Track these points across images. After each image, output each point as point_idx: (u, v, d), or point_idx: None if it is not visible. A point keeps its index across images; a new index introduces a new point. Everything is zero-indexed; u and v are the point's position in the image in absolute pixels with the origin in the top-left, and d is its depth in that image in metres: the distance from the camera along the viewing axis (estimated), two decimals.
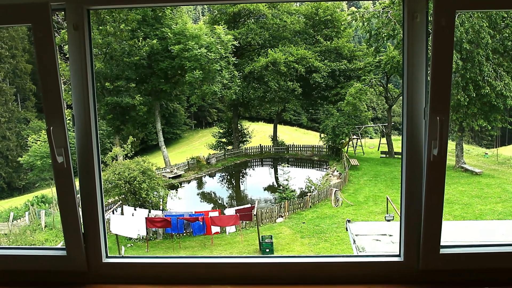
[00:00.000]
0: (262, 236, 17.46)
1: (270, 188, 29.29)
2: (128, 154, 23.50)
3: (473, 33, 23.11)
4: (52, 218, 20.85)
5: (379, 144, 35.21)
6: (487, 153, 31.30)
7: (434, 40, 1.96)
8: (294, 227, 19.82)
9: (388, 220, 15.24)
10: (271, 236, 17.63)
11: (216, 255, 14.68)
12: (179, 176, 29.55)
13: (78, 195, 2.30)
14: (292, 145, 37.04)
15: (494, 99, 24.35)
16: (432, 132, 2.02)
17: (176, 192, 25.95)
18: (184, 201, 25.24)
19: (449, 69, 1.99)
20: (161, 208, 20.89)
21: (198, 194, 29.17)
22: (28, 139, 26.76)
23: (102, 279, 2.36)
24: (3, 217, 22.28)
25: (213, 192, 29.48)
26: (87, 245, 2.32)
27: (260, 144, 36.92)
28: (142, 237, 18.37)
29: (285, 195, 23.85)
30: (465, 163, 27.10)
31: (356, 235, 9.98)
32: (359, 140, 34.36)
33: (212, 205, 26.55)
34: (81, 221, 2.31)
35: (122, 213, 18.59)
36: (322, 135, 34.44)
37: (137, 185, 20.36)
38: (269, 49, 34.21)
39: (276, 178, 31.79)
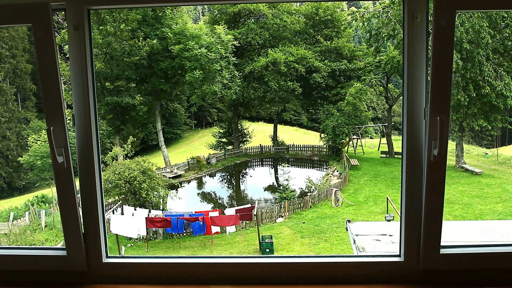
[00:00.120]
0: (262, 236, 17.46)
1: (270, 188, 29.29)
2: (128, 154, 23.50)
3: (473, 33, 23.11)
4: (52, 218, 20.85)
5: (379, 144, 35.21)
6: (487, 153, 31.30)
7: (434, 40, 1.96)
8: (294, 227, 19.82)
9: (388, 220, 15.25)
10: (271, 236, 17.63)
11: (216, 255, 14.70)
12: (179, 176, 29.55)
13: (78, 195, 2.30)
14: (292, 145, 37.05)
15: (494, 99, 24.35)
16: (432, 132, 2.02)
17: (176, 192, 25.96)
18: (184, 201, 25.25)
19: (449, 69, 1.99)
20: (161, 208, 20.90)
21: (198, 194, 29.17)
22: (28, 139, 26.76)
23: (102, 279, 2.36)
24: (3, 217, 22.29)
25: (213, 192, 29.48)
26: (87, 245, 2.32)
27: (260, 144, 36.93)
28: (142, 237, 18.37)
29: (285, 195, 23.86)
30: (465, 163, 27.10)
31: (356, 235, 9.97)
32: (359, 140, 34.36)
33: (212, 205, 26.56)
34: (81, 221, 2.31)
35: (122, 213, 18.59)
36: (322, 135, 34.45)
37: (137, 185, 20.37)
38: (269, 49, 34.22)
39: (276, 178, 31.80)
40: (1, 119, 35.39)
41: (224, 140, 38.28)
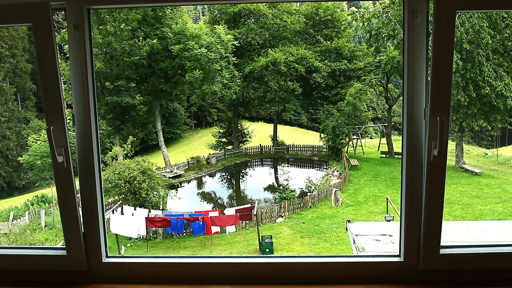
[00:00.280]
0: (262, 236, 17.46)
1: (270, 188, 29.29)
2: (128, 154, 23.49)
3: (473, 33, 23.11)
4: (52, 218, 20.85)
5: (379, 144, 35.21)
6: (487, 153, 31.30)
7: (434, 40, 1.96)
8: (294, 227, 19.82)
9: (388, 220, 15.26)
10: (271, 236, 17.63)
11: (216, 255, 14.71)
12: (179, 176, 29.55)
13: (78, 195, 2.31)
14: (292, 145, 37.05)
15: (494, 99, 24.35)
16: (432, 132, 2.02)
17: (176, 192, 25.94)
18: (184, 201, 25.24)
19: (449, 69, 1.99)
20: (161, 208, 20.90)
21: (198, 194, 29.17)
22: (28, 138, 26.75)
23: (102, 279, 2.36)
24: (3, 217, 22.28)
25: (213, 192, 29.48)
26: (87, 244, 2.32)
27: (260, 144, 36.93)
28: (142, 237, 18.37)
29: (285, 195, 23.86)
30: (465, 163, 27.11)
31: (356, 235, 9.97)
32: (359, 140, 34.36)
33: (212, 205, 26.56)
34: (81, 221, 2.31)
35: (122, 213, 18.59)
36: (322, 135, 34.45)
37: (137, 184, 20.36)
38: (269, 49, 34.22)
39: (276, 178, 31.80)
40: (1, 118, 35.38)
41: (224, 140, 38.28)
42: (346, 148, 32.95)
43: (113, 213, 21.00)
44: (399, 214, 2.42)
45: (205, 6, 52.94)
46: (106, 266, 2.36)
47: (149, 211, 17.91)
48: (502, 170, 26.54)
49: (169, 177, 27.91)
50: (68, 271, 2.36)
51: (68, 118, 2.22)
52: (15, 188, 34.24)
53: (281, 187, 25.80)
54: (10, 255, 2.41)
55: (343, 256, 2.35)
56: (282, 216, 21.28)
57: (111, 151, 24.65)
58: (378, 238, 9.81)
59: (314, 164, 34.27)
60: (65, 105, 2.19)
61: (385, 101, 35.57)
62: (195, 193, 29.13)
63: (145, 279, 2.35)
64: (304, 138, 42.00)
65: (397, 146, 31.36)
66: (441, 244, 2.20)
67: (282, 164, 31.80)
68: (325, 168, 32.42)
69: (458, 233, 8.89)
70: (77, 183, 2.25)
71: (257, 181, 31.28)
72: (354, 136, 33.54)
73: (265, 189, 29.31)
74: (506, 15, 23.34)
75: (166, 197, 23.52)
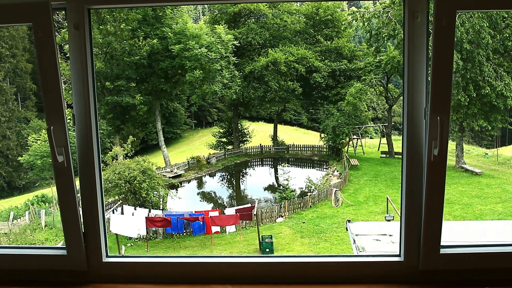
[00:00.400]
0: (262, 235, 17.46)
1: (270, 188, 29.29)
2: (128, 154, 23.50)
3: (474, 33, 23.10)
4: (52, 218, 20.85)
5: (379, 144, 35.21)
6: (487, 153, 31.29)
7: (434, 40, 1.96)
8: (294, 227, 19.82)
9: (388, 220, 15.26)
10: (271, 235, 17.63)
11: (216, 255, 14.69)
12: (179, 175, 29.55)
13: (79, 195, 2.31)
14: (292, 145, 37.05)
15: (494, 99, 24.35)
16: (432, 132, 2.02)
17: (176, 192, 25.93)
18: (184, 201, 25.24)
19: (449, 69, 1.99)
20: (161, 208, 20.91)
21: (198, 194, 29.18)
22: (28, 138, 26.77)
23: (102, 279, 2.37)
24: (3, 217, 22.29)
25: (213, 192, 29.49)
26: (87, 244, 2.33)
27: (260, 144, 36.93)
28: (142, 237, 18.37)
29: (285, 195, 23.86)
30: (465, 163, 27.10)
31: (356, 235, 9.97)
32: (359, 140, 34.35)
33: (212, 204, 26.56)
34: (81, 221, 2.31)
35: (122, 213, 18.60)
36: (322, 135, 34.46)
37: (137, 184, 20.37)
38: (270, 49, 34.23)
39: (276, 178, 31.80)
40: (1, 118, 35.39)
41: (224, 139, 38.29)
42: (346, 148, 32.95)
43: (113, 213, 21.01)
44: (399, 214, 2.42)
45: (205, 6, 52.94)
46: (106, 266, 2.36)
47: (149, 211, 17.92)
48: (502, 170, 26.54)
49: (169, 177, 27.92)
50: (68, 270, 2.36)
51: (68, 118, 2.22)
52: (15, 188, 34.26)
53: (281, 187, 25.80)
54: (10, 255, 2.41)
55: (343, 256, 2.35)
56: (282, 216, 21.28)
57: (111, 151, 24.66)
58: (378, 238, 9.82)
59: (314, 164, 34.27)
60: (65, 105, 2.19)
61: (385, 101, 35.57)
62: (195, 193, 29.14)
63: (145, 279, 2.35)
64: (304, 138, 41.99)
65: (397, 146, 31.36)
66: (441, 244, 2.20)
67: (282, 164, 31.80)
68: (325, 168, 32.43)
69: (458, 233, 8.89)
70: (77, 183, 2.25)
71: (257, 181, 31.28)
72: (354, 136, 33.53)
73: (265, 189, 29.31)
74: (506, 15, 23.33)
75: (166, 197, 23.52)
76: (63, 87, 2.16)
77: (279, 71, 33.14)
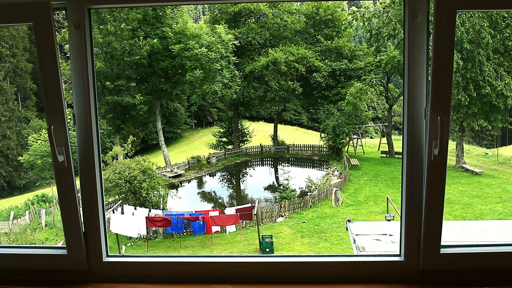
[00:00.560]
0: (262, 235, 17.46)
1: (270, 188, 29.28)
2: (129, 153, 23.51)
3: (474, 33, 23.09)
4: (52, 217, 20.87)
5: (380, 143, 35.20)
6: (487, 153, 31.28)
7: (435, 40, 1.96)
8: (294, 227, 19.82)
9: (389, 220, 15.25)
10: (271, 235, 17.63)
11: (216, 255, 14.68)
12: (180, 175, 29.55)
13: (79, 194, 2.31)
14: (293, 144, 37.03)
15: (494, 99, 24.34)
16: (432, 132, 2.02)
17: (176, 192, 25.93)
18: (184, 201, 25.25)
19: (449, 69, 1.99)
20: (161, 208, 20.92)
21: (198, 194, 29.17)
22: (29, 138, 26.78)
23: (103, 278, 2.37)
24: (4, 216, 22.31)
25: (214, 192, 29.48)
26: (87, 244, 2.33)
27: (261, 144, 36.92)
28: (142, 236, 18.38)
29: (286, 194, 23.86)
30: (465, 163, 27.09)
31: (356, 234, 9.97)
32: (359, 140, 34.35)
33: (212, 204, 26.56)
34: (82, 220, 2.31)
35: (122, 212, 18.60)
36: (323, 135, 34.44)
37: (138, 184, 20.37)
38: (270, 49, 34.21)
39: (277, 178, 31.80)
40: (2, 118, 35.41)
41: (224, 139, 38.28)
42: (346, 147, 32.94)
43: (113, 212, 21.02)
44: (400, 214, 2.42)
45: (206, 5, 52.91)
46: (106, 266, 2.36)
47: (150, 211, 17.92)
48: (503, 170, 26.53)
49: (170, 177, 27.90)
50: (68, 270, 2.36)
51: (68, 117, 2.22)
52: (16, 188, 34.28)
53: (281, 186, 25.80)
54: (10, 255, 2.41)
55: (343, 256, 2.35)
56: (282, 216, 21.28)
57: (111, 150, 24.66)
58: (378, 237, 9.82)
59: (315, 163, 34.25)
60: (66, 105, 2.19)
61: (385, 100, 35.55)
62: (196, 193, 29.14)
63: (145, 278, 2.35)
64: (305, 138, 41.98)
65: (398, 146, 31.35)
66: (442, 244, 2.20)
67: (282, 164, 31.80)
68: (325, 168, 32.42)
69: (458, 233, 8.89)
70: (77, 182, 2.25)
71: (257, 180, 31.28)
72: (355, 136, 33.53)
73: (266, 188, 29.30)
74: (507, 15, 23.32)
75: (167, 196, 23.53)
76: (63, 87, 2.16)
77: (279, 71, 33.13)
